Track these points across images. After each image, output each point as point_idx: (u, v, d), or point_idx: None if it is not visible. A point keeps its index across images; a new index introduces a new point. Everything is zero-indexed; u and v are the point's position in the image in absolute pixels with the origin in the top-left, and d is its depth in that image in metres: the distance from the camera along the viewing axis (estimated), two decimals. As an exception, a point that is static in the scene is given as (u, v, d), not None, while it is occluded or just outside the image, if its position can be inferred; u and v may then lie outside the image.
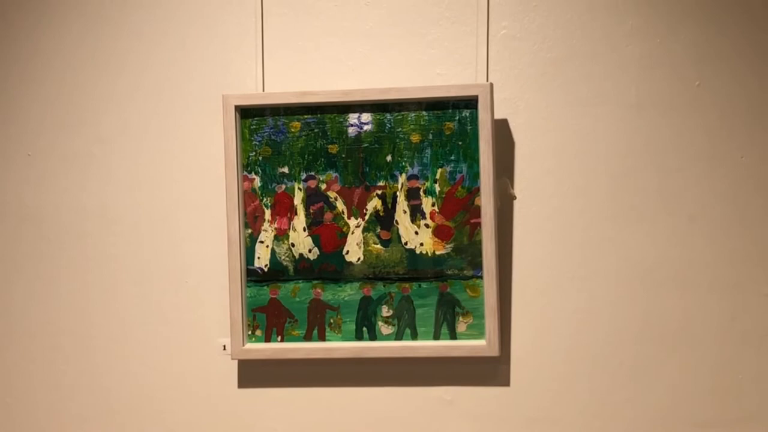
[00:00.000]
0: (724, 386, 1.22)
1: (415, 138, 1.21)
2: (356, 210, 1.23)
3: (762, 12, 1.20)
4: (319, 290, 1.24)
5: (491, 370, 1.25)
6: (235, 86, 1.27)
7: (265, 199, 1.25)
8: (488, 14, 1.24)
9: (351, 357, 1.24)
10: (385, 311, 1.23)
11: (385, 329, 1.24)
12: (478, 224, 1.20)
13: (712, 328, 1.21)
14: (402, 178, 1.22)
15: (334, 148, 1.23)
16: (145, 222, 1.30)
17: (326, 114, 1.23)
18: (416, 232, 1.22)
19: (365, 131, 1.22)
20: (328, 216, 1.24)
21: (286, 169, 1.24)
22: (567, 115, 1.23)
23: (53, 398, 1.33)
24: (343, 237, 1.24)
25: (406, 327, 1.23)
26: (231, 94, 1.23)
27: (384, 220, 1.23)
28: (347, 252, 1.24)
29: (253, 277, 1.25)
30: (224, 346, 1.27)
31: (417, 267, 1.22)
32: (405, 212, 1.22)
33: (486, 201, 1.19)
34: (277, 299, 1.25)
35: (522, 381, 1.24)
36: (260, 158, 1.24)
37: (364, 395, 1.27)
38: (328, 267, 1.24)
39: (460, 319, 1.22)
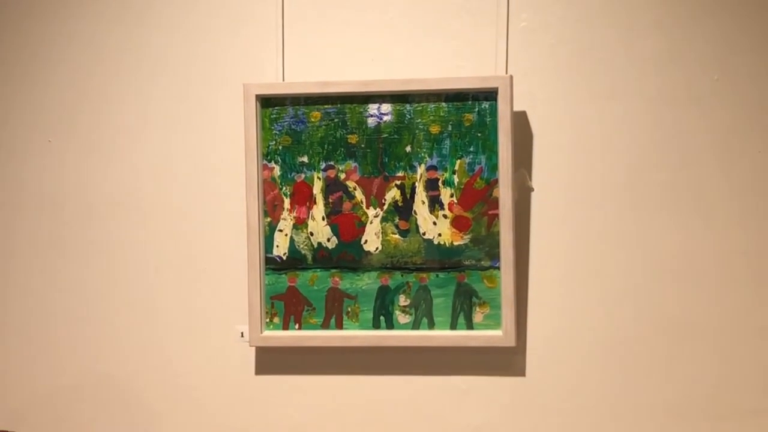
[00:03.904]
0: (740, 379, 1.22)
1: (434, 129, 1.22)
2: (375, 200, 1.24)
3: (781, 7, 1.20)
4: (337, 279, 1.25)
5: (507, 361, 1.26)
6: (255, 76, 1.28)
7: (284, 188, 1.26)
8: (508, 7, 1.24)
9: (368, 345, 1.25)
10: (403, 300, 1.24)
11: (402, 318, 1.25)
12: (496, 215, 1.21)
13: (729, 322, 1.22)
14: (421, 169, 1.23)
15: (353, 138, 1.24)
16: (165, 210, 1.32)
17: (346, 104, 1.23)
18: (434, 223, 1.23)
19: (385, 122, 1.23)
20: (346, 205, 1.25)
21: (305, 159, 1.25)
22: (585, 108, 1.23)
23: (72, 384, 1.34)
24: (362, 226, 1.24)
25: (423, 316, 1.24)
26: (252, 83, 1.24)
27: (402, 211, 1.24)
28: (365, 241, 1.24)
29: (271, 265, 1.26)
30: (242, 333, 1.28)
31: (435, 257, 1.23)
32: (423, 203, 1.23)
33: (504, 192, 1.20)
34: (296, 287, 1.26)
35: (537, 371, 1.25)
36: (280, 147, 1.25)
37: (380, 383, 1.28)
38: (347, 256, 1.25)
39: (477, 309, 1.23)
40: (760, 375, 1.22)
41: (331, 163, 1.24)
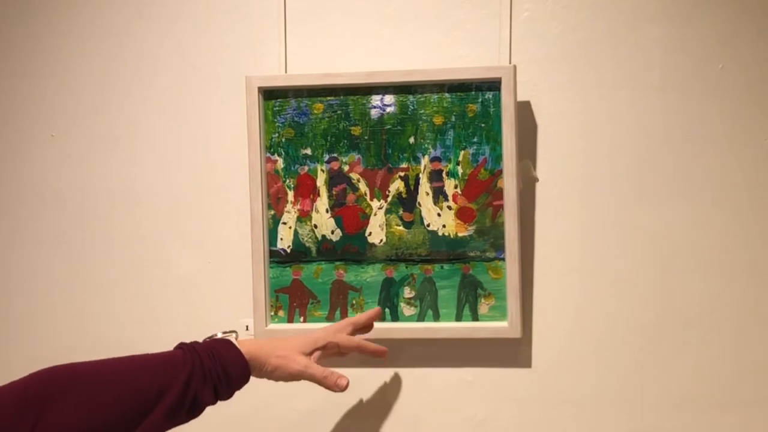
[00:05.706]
0: (745, 369, 1.22)
1: (437, 120, 1.22)
2: (379, 192, 1.24)
3: (788, -6, 1.19)
4: (342, 271, 1.25)
5: (513, 352, 1.25)
6: (257, 68, 1.27)
7: (287, 181, 1.25)
8: (511, -4, 1.23)
9: (373, 338, 1.24)
10: (408, 292, 1.24)
11: (407, 310, 1.24)
12: (501, 206, 1.20)
13: (735, 312, 1.21)
14: (425, 160, 1.22)
15: (356, 130, 1.23)
16: (169, 203, 1.31)
17: (349, 96, 1.23)
18: (439, 214, 1.22)
19: (388, 113, 1.23)
20: (350, 197, 1.24)
21: (309, 151, 1.24)
22: (590, 98, 1.23)
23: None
24: (366, 219, 1.24)
25: (428, 308, 1.24)
26: (254, 75, 1.23)
27: (406, 202, 1.23)
28: (370, 233, 1.24)
29: (275, 258, 1.26)
30: (247, 327, 1.28)
31: (439, 248, 1.23)
32: (427, 194, 1.23)
33: (509, 183, 1.19)
34: (300, 280, 1.26)
35: (544, 363, 1.25)
36: (283, 140, 1.25)
37: (385, 375, 1.28)
38: (351, 248, 1.25)
39: (482, 300, 1.22)
40: (766, 364, 1.22)
41: (335, 155, 1.24)
